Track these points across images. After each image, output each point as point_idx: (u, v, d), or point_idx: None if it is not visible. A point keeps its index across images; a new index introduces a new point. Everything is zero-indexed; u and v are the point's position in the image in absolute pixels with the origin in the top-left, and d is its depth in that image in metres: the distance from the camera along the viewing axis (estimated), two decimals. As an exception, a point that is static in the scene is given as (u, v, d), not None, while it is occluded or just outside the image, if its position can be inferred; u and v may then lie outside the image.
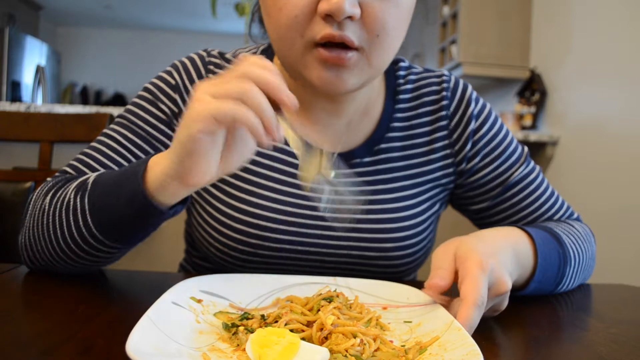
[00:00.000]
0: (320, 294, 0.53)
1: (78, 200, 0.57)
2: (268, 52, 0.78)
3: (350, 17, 0.58)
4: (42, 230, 0.60)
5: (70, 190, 0.59)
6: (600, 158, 2.34)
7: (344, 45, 0.60)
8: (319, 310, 0.48)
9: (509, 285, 0.52)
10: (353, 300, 0.53)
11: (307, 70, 0.63)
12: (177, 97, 0.72)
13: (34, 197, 0.65)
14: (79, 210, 0.57)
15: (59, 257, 0.60)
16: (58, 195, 0.61)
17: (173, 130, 0.72)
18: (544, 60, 2.93)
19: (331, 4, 0.57)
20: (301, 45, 0.61)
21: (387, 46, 0.63)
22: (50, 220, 0.59)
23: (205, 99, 0.45)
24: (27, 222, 0.63)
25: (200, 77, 0.74)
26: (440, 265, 0.53)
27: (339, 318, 0.46)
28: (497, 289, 0.51)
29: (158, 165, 0.51)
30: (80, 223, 0.57)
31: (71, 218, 0.57)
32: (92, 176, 0.59)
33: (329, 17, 0.58)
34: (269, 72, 0.46)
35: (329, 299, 0.50)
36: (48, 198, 0.61)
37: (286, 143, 0.72)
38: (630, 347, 0.48)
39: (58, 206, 0.59)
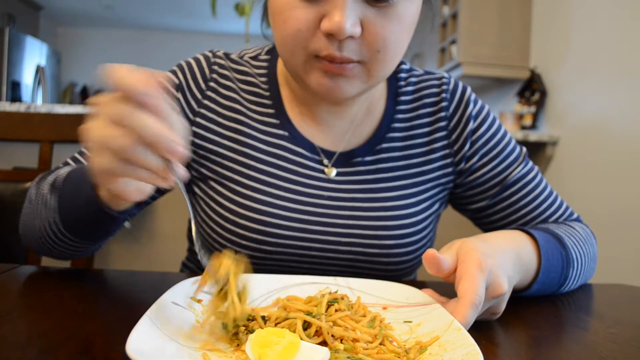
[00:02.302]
0: (325, 295, 0.53)
1: (50, 196, 0.60)
2: (273, 53, 0.79)
3: (351, 36, 0.59)
4: (27, 218, 0.65)
5: (48, 184, 0.62)
6: (600, 158, 2.34)
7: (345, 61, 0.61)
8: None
9: (505, 288, 0.52)
10: (355, 301, 0.53)
11: (307, 76, 0.64)
12: (179, 95, 0.74)
13: (33, 182, 0.69)
14: (50, 207, 0.60)
15: (43, 244, 0.64)
16: (40, 186, 0.64)
17: None
18: (544, 60, 2.94)
19: (333, 24, 0.57)
20: (303, 55, 0.62)
21: (388, 60, 0.63)
22: (33, 210, 0.63)
23: (91, 145, 0.43)
24: (23, 210, 0.68)
25: (204, 77, 0.75)
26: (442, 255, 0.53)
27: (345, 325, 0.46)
28: (493, 291, 0.51)
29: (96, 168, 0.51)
30: (51, 219, 0.60)
31: (44, 213, 0.61)
32: (65, 171, 0.62)
33: (330, 36, 0.59)
34: (157, 115, 0.41)
35: (334, 301, 0.50)
36: (34, 188, 0.65)
37: (281, 147, 0.74)
38: (630, 348, 0.48)
39: (38, 199, 0.63)
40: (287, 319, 0.47)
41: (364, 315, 0.50)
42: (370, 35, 0.60)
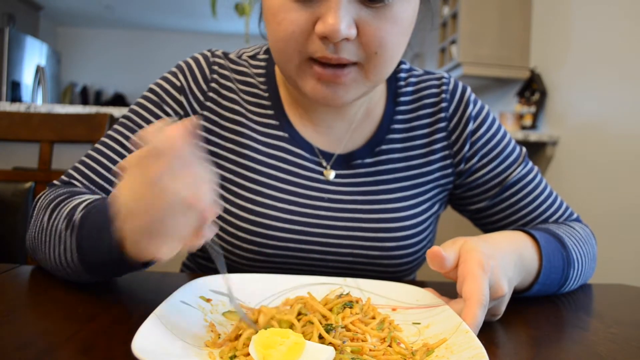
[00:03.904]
0: (341, 295, 0.53)
1: (67, 235, 0.56)
2: (271, 53, 0.78)
3: (346, 39, 0.58)
4: (40, 246, 0.61)
5: (62, 219, 0.57)
6: (600, 158, 2.34)
7: (341, 64, 0.60)
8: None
9: (505, 290, 0.52)
10: (365, 302, 0.53)
11: (302, 82, 0.63)
12: (182, 99, 0.73)
13: (38, 205, 0.64)
14: (67, 246, 0.56)
15: (59, 271, 0.60)
16: (54, 216, 0.59)
17: None
18: (544, 60, 2.93)
19: (327, 26, 0.56)
20: (298, 59, 0.62)
21: (386, 62, 0.62)
22: (47, 241, 0.59)
23: (123, 207, 0.42)
24: (31, 228, 0.63)
25: (205, 77, 0.74)
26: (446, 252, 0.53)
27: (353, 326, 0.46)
28: (493, 293, 0.51)
29: (129, 226, 0.47)
30: (69, 258, 0.56)
31: (61, 249, 0.57)
32: (80, 208, 0.57)
33: (325, 38, 0.58)
34: (190, 173, 0.40)
35: (350, 304, 0.50)
36: (47, 215, 0.61)
37: (281, 149, 0.74)
38: (630, 348, 0.48)
39: (52, 231, 0.58)
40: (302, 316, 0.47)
41: (374, 317, 0.50)
42: (366, 36, 0.59)
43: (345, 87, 0.62)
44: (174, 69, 0.76)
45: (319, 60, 0.60)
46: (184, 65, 0.75)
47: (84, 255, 0.54)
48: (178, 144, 0.38)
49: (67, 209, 0.58)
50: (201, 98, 0.74)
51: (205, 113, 0.74)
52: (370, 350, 0.42)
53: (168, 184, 0.39)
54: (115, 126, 0.73)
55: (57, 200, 0.62)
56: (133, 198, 0.41)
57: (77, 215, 0.56)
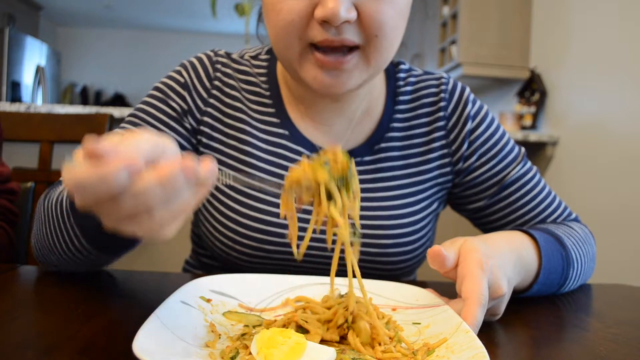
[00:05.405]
0: (342, 296, 0.53)
1: (66, 221, 0.56)
2: (273, 52, 0.79)
3: (346, 21, 0.59)
4: (40, 235, 0.62)
5: (55, 207, 0.58)
6: (600, 158, 2.34)
7: (343, 48, 0.61)
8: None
9: (504, 290, 0.52)
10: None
11: (304, 71, 0.64)
12: (186, 94, 0.74)
13: (38, 202, 0.66)
14: (70, 232, 0.56)
15: (61, 259, 0.61)
16: (47, 206, 0.61)
17: (183, 127, 0.74)
18: (544, 60, 2.93)
19: (327, 10, 0.57)
20: (299, 47, 0.62)
21: (386, 45, 0.63)
22: (49, 233, 0.60)
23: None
24: (34, 227, 0.65)
25: (208, 76, 0.75)
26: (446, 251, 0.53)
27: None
28: (493, 292, 0.51)
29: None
30: (76, 243, 0.56)
31: (65, 236, 0.57)
32: (66, 193, 0.57)
33: (325, 23, 0.59)
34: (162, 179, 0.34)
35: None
36: (42, 209, 0.62)
37: (282, 147, 0.74)
38: (630, 347, 0.48)
39: (51, 222, 0.59)
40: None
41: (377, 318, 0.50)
42: (367, 19, 0.60)
43: (348, 73, 0.63)
44: (178, 67, 0.77)
45: (320, 45, 0.61)
46: (187, 63, 0.77)
47: (87, 235, 0.54)
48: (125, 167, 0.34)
49: (55, 196, 0.59)
50: (205, 95, 0.74)
51: (209, 110, 0.75)
52: (382, 352, 0.42)
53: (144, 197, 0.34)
54: (123, 124, 0.74)
55: (49, 192, 0.63)
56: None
57: (66, 201, 0.56)
